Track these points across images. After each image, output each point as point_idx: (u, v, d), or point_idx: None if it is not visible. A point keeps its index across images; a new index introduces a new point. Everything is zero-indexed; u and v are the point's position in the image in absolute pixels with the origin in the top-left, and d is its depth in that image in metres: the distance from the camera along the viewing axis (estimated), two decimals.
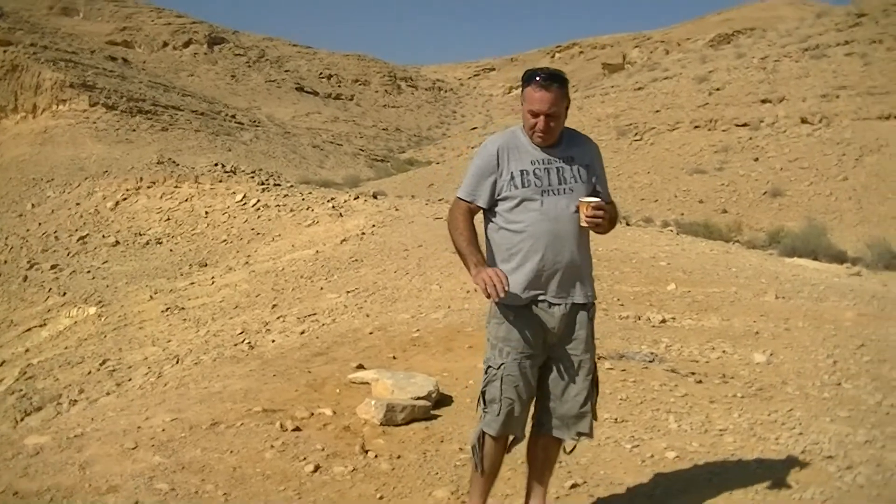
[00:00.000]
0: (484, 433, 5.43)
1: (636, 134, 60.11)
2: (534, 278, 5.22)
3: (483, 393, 5.42)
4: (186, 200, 33.71)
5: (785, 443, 7.38)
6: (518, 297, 5.24)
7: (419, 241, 21.57)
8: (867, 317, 13.00)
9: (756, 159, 50.88)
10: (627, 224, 32.59)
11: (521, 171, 5.22)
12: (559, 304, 5.27)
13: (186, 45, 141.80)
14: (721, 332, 11.82)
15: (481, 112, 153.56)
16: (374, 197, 33.16)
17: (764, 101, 57.01)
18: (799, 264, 22.78)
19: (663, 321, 12.49)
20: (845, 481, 6.54)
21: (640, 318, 12.60)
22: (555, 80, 5.21)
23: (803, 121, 52.95)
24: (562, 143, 5.37)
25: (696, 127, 57.88)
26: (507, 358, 5.28)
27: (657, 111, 62.93)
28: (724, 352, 10.65)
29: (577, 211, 5.21)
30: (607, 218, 5.24)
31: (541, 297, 5.26)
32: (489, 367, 5.40)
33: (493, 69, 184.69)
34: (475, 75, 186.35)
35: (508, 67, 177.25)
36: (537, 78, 5.21)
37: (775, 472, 6.63)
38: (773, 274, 18.19)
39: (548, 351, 5.37)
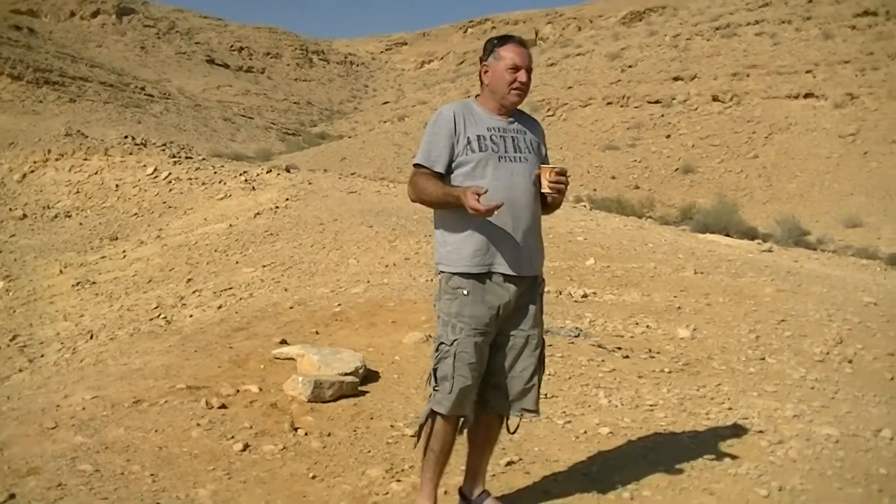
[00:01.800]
0: (434, 412, 5.29)
1: (549, 110, 60.41)
2: (487, 246, 5.12)
3: (434, 370, 5.25)
4: (96, 173, 33.09)
5: (715, 417, 7.38)
6: (470, 266, 5.14)
7: (334, 215, 21.39)
8: (785, 292, 13.10)
9: (668, 136, 51.46)
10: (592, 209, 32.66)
11: (478, 136, 5.17)
12: (513, 277, 5.17)
13: (94, 14, 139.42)
14: (643, 307, 11.84)
15: (393, 86, 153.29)
16: (287, 171, 32.83)
17: (676, 79, 57.62)
18: (712, 240, 22.94)
19: (585, 296, 12.47)
20: (778, 455, 6.56)
21: (561, 294, 12.57)
22: (526, 44, 5.42)
23: (714, 99, 53.62)
24: (514, 116, 5.38)
25: (609, 104, 58.36)
26: (461, 334, 5.13)
27: (570, 87, 63.30)
28: (647, 327, 10.67)
29: (536, 180, 5.17)
30: (567, 185, 5.21)
31: (495, 269, 5.15)
32: (441, 343, 5.23)
33: (406, 44, 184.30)
34: (387, 49, 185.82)
35: (420, 42, 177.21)
36: (513, 38, 5.38)
37: (709, 447, 6.63)
38: (690, 250, 18.31)
39: (499, 327, 5.26)
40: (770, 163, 45.51)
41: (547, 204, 5.31)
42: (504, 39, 5.35)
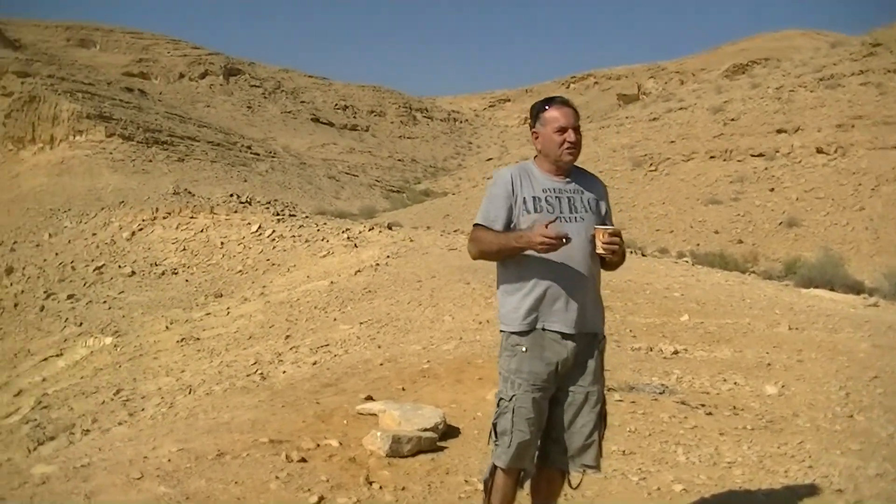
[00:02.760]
0: (495, 466, 5.41)
1: (651, 164, 60.13)
2: (544, 304, 5.24)
3: (494, 425, 5.40)
4: (202, 231, 33.81)
5: (794, 476, 7.35)
6: (527, 324, 5.26)
7: (433, 271, 21.55)
8: (882, 348, 12.93)
9: (772, 189, 50.78)
10: (643, 255, 32.50)
11: (534, 198, 5.29)
12: (570, 335, 5.26)
13: (203, 76, 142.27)
14: (733, 363, 11.79)
15: (497, 142, 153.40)
16: (389, 228, 33.18)
17: (779, 132, 56.95)
18: (815, 295, 22.66)
19: (675, 352, 12.46)
20: None
21: (651, 350, 12.58)
22: (570, 103, 5.50)
23: (819, 151, 52.86)
24: (572, 175, 5.47)
25: (712, 157, 57.85)
26: (519, 390, 5.26)
27: (672, 141, 62.95)
28: (735, 383, 10.62)
29: (592, 239, 5.26)
30: (622, 247, 5.29)
31: (552, 327, 5.25)
32: (501, 399, 5.39)
33: (509, 100, 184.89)
34: (490, 106, 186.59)
35: (524, 98, 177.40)
36: (556, 99, 5.47)
37: None
38: (788, 305, 18.12)
39: (558, 383, 5.35)
40: (877, 215, 44.70)
41: (606, 262, 5.38)
42: (547, 102, 5.48)
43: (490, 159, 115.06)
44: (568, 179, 5.43)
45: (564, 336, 5.26)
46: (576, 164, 5.51)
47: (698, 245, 45.29)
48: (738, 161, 56.05)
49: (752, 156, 55.78)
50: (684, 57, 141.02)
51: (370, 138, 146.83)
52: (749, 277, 27.80)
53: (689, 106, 71.50)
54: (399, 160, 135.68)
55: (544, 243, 4.94)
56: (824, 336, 14.01)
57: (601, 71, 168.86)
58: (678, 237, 47.79)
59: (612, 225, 5.42)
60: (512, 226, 5.29)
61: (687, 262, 32.69)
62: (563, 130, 5.31)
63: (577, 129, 5.37)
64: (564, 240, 4.94)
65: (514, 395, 5.28)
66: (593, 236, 5.25)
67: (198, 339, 21.06)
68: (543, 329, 5.26)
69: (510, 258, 5.27)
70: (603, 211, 5.50)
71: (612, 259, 5.30)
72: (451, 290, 18.54)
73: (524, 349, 5.27)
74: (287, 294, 23.47)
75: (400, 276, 21.86)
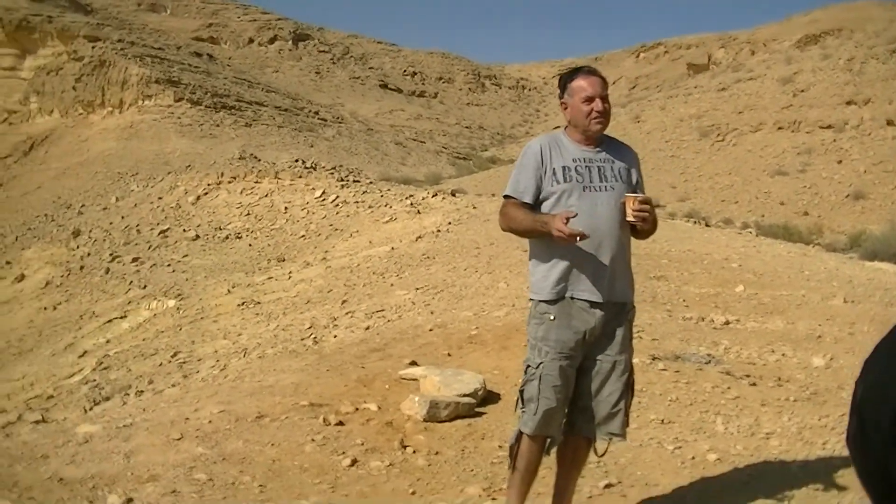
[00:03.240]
0: (521, 432, 5.46)
1: (718, 135, 59.71)
2: (573, 273, 5.27)
3: (521, 392, 5.47)
4: (266, 196, 34.03)
5: (832, 448, 7.31)
6: (555, 293, 5.30)
7: (492, 238, 21.53)
8: None
9: (839, 161, 50.29)
10: (706, 225, 32.26)
11: (563, 168, 5.32)
12: (599, 304, 5.28)
13: (272, 41, 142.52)
14: (783, 335, 11.72)
15: None
16: (453, 195, 33.12)
17: (849, 103, 56.27)
18: (878, 268, 22.32)
19: (726, 323, 12.40)
20: None
21: (703, 320, 12.52)
22: (597, 72, 5.57)
23: (889, 123, 52.20)
24: (602, 145, 5.48)
25: (780, 128, 57.34)
26: (546, 357, 5.32)
27: (740, 112, 62.41)
28: (783, 355, 10.56)
29: (622, 208, 5.25)
30: (652, 215, 5.28)
31: (580, 295, 5.28)
32: (528, 366, 5.45)
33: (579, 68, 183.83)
34: (559, 73, 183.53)
35: (594, 66, 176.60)
36: (582, 69, 5.55)
37: (817, 476, 6.56)
38: (847, 278, 17.92)
39: (585, 351, 5.38)
40: None
41: (638, 231, 5.40)
42: (574, 73, 5.56)
43: (557, 127, 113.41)
44: (598, 149, 5.44)
45: (593, 305, 5.28)
46: (606, 134, 5.53)
47: (763, 216, 45.00)
48: (807, 133, 55.53)
49: (821, 127, 55.23)
50: (756, 27, 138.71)
51: (438, 105, 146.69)
52: (812, 250, 27.46)
53: (759, 76, 70.69)
54: (466, 127, 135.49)
55: (562, 237, 4.97)
56: (879, 310, 13.88)
57: (671, 40, 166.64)
58: (743, 208, 47.52)
59: (643, 193, 5.43)
60: (542, 197, 5.34)
61: (750, 233, 32.46)
62: (590, 100, 5.32)
63: (604, 99, 5.38)
64: (579, 238, 4.98)
65: (541, 363, 5.34)
66: (623, 205, 5.25)
67: (258, 302, 21.26)
68: (572, 298, 5.30)
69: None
70: (634, 180, 5.51)
71: (643, 227, 5.30)
72: (508, 257, 18.56)
73: (552, 317, 5.31)
74: (348, 259, 23.61)
75: (459, 243, 21.91)
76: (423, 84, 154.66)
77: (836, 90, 59.06)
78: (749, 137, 57.99)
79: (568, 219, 4.96)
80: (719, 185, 51.83)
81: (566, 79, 5.54)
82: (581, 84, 5.39)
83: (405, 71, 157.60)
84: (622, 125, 67.68)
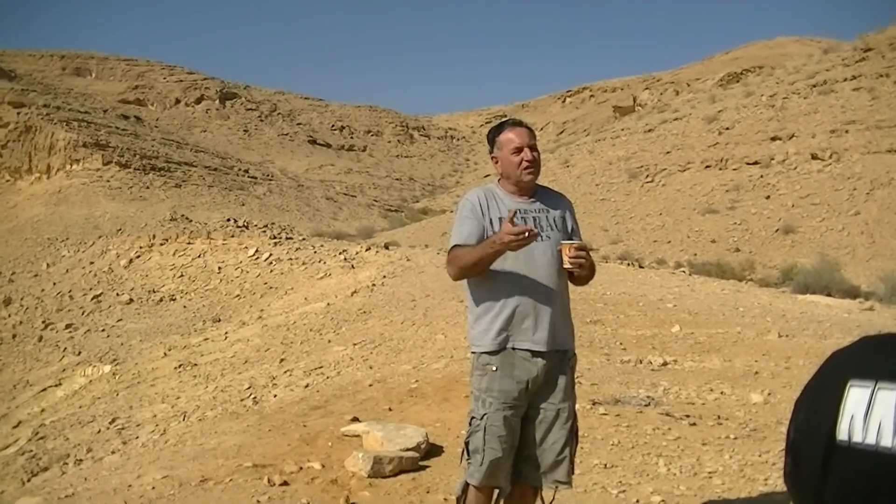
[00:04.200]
0: (468, 484, 5.46)
1: (647, 176, 60.10)
2: (513, 323, 5.28)
3: (467, 443, 5.47)
4: (199, 256, 33.87)
5: (774, 483, 7.41)
6: (497, 344, 5.30)
7: (427, 290, 21.63)
8: None
9: (767, 197, 50.77)
10: (640, 266, 32.52)
11: (500, 219, 5.29)
12: (541, 353, 5.29)
13: (198, 101, 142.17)
14: (721, 373, 11.86)
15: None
16: (386, 248, 33.25)
17: (774, 139, 56.91)
18: (811, 301, 22.68)
19: (664, 364, 12.53)
20: None
21: (641, 362, 12.64)
22: (523, 124, 5.65)
23: (814, 157, 52.84)
24: (536, 195, 5.53)
25: (707, 167, 57.80)
26: (490, 408, 5.31)
27: (668, 152, 62.92)
28: (721, 393, 10.69)
29: (559, 256, 5.28)
30: (589, 261, 5.31)
31: (522, 345, 5.29)
32: (472, 417, 5.46)
33: (504, 116, 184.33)
34: (487, 122, 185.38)
35: (519, 113, 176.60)
36: (509, 121, 5.62)
37: None
38: (781, 312, 18.19)
39: (529, 400, 5.39)
40: (872, 219, 44.67)
41: (575, 277, 5.42)
42: (501, 126, 5.63)
43: (487, 175, 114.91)
44: (532, 199, 5.49)
45: (534, 354, 5.29)
46: (539, 183, 5.58)
47: (696, 255, 45.28)
48: (734, 170, 56.02)
49: (748, 164, 55.73)
50: (679, 67, 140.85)
51: (367, 158, 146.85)
52: (745, 286, 27.81)
53: (684, 116, 71.43)
54: (397, 179, 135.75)
55: (514, 240, 4.95)
56: (813, 343, 14.09)
57: (597, 84, 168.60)
58: (675, 248, 47.82)
59: (579, 240, 5.50)
60: None
61: (684, 272, 32.75)
62: (519, 150, 5.39)
63: (532, 147, 5.46)
64: (528, 233, 4.94)
65: (485, 414, 5.34)
66: (560, 252, 5.29)
67: (195, 364, 21.14)
68: (513, 348, 5.30)
69: (486, 270, 5.27)
70: (570, 227, 5.57)
71: (581, 273, 5.32)
72: (444, 309, 18.64)
73: (494, 368, 5.31)
74: (284, 317, 23.55)
75: (395, 296, 21.96)
76: (351, 138, 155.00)
77: (760, 126, 59.77)
78: (678, 177, 58.46)
79: (513, 220, 5.02)
80: (651, 225, 52.17)
81: (494, 132, 5.62)
82: (509, 136, 5.46)
83: (333, 125, 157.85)
84: (552, 170, 68.14)
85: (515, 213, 5.14)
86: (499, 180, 5.62)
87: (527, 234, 4.94)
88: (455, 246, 5.40)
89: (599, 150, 72.87)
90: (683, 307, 18.07)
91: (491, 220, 5.34)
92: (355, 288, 24.60)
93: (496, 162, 5.57)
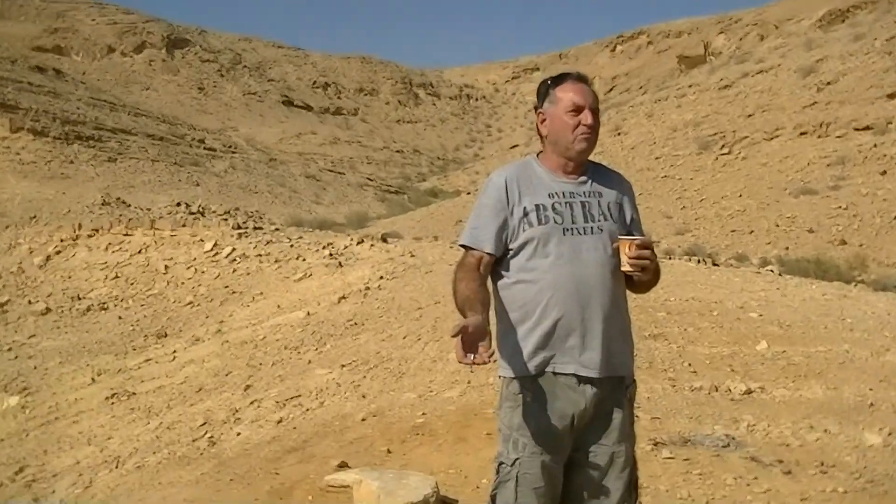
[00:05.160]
0: None
1: (723, 146, 59.95)
2: (554, 341, 5.16)
3: (493, 497, 5.32)
4: (140, 252, 33.81)
5: None
6: (532, 367, 5.18)
7: (437, 296, 21.53)
8: None
9: (883, 173, 50.44)
10: (713, 264, 32.40)
11: (537, 206, 5.23)
12: (590, 379, 5.17)
13: (138, 49, 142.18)
14: (824, 404, 11.74)
15: (523, 125, 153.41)
16: (384, 240, 33.22)
17: (892, 97, 56.65)
18: None
19: (748, 392, 12.41)
20: None
21: (717, 389, 12.53)
22: (587, 80, 5.51)
23: None
24: (587, 173, 5.44)
25: (803, 133, 57.63)
26: (524, 452, 5.17)
27: (750, 115, 62.75)
28: (825, 431, 10.56)
29: (615, 254, 5.19)
30: (654, 262, 5.20)
31: (565, 369, 5.16)
32: (501, 463, 5.29)
33: (537, 69, 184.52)
34: (514, 78, 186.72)
35: (556, 66, 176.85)
36: (570, 74, 5.53)
37: None
38: None
39: (574, 441, 5.26)
40: None
41: (635, 283, 5.32)
42: (561, 78, 5.48)
43: (515, 146, 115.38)
44: (583, 178, 5.39)
45: (582, 380, 5.17)
46: (592, 159, 5.48)
47: (787, 249, 45.07)
48: (838, 137, 55.77)
49: (857, 129, 55.49)
50: (765, 4, 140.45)
51: (359, 125, 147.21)
52: (854, 289, 27.65)
53: (772, 68, 71.24)
54: (397, 151, 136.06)
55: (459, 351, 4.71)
56: None
57: (656, 27, 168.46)
58: (760, 239, 47.62)
59: (641, 234, 5.37)
60: (511, 246, 5.26)
61: (772, 271, 32.62)
62: (578, 110, 5.28)
63: (595, 112, 5.34)
64: (474, 362, 4.64)
65: (517, 459, 5.19)
66: (616, 250, 5.19)
67: (132, 394, 21.00)
68: (554, 373, 5.18)
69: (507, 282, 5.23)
70: (628, 217, 5.46)
71: (642, 277, 5.22)
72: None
73: (529, 399, 5.18)
74: (250, 331, 23.49)
75: (395, 303, 21.91)
76: (338, 98, 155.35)
77: (873, 80, 59.41)
78: (763, 147, 58.22)
79: (463, 332, 4.69)
80: (728, 210, 51.95)
81: (551, 83, 5.48)
82: (569, 92, 5.34)
83: (315, 82, 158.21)
84: (599, 140, 67.99)
85: (465, 328, 4.71)
86: (539, 154, 5.52)
87: (467, 353, 4.66)
88: (464, 249, 5.35)
89: (660, 113, 72.86)
90: (772, 317, 17.95)
91: (525, 209, 5.24)
92: (344, 292, 24.55)
93: (543, 120, 5.44)
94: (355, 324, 20.71)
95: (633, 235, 5.27)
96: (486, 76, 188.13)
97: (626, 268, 5.13)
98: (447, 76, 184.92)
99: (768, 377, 13.22)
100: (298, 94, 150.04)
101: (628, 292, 5.42)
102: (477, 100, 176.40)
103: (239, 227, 34.50)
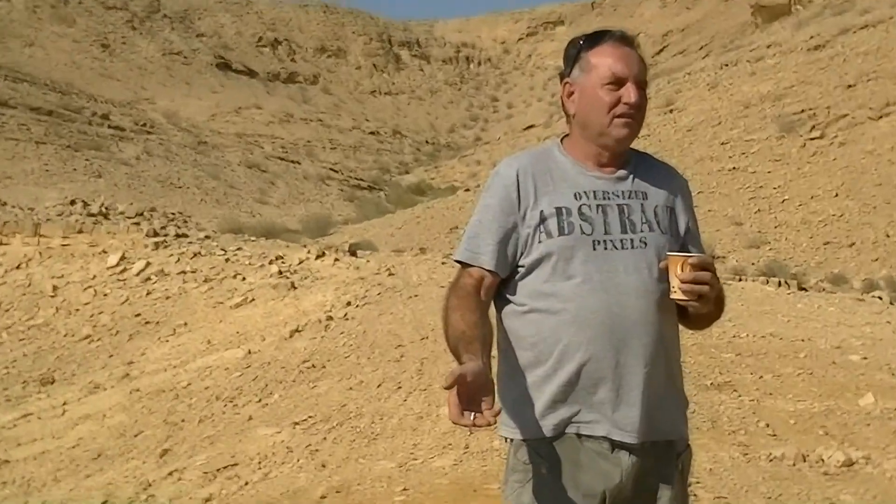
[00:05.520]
0: None
1: (814, 128, 60.00)
2: (578, 392, 5.00)
3: None
4: (19, 267, 33.76)
5: None
6: (549, 427, 5.04)
7: (424, 329, 21.54)
8: None
9: None
10: (801, 288, 32.44)
11: (559, 210, 5.05)
12: (627, 445, 5.03)
13: None
14: None
15: (542, 98, 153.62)
16: (353, 254, 33.23)
17: None
18: None
19: (848, 463, 12.38)
20: None
21: (805, 460, 12.52)
22: (632, 42, 5.22)
23: None
24: (628, 165, 5.26)
25: None
26: None
27: (850, 87, 62.84)
28: None
29: (662, 277, 4.99)
30: (716, 288, 4.98)
31: (593, 430, 5.02)
32: None
33: (561, 22, 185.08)
34: (529, 35, 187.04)
35: (587, 18, 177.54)
36: (610, 33, 5.19)
37: None
38: None
39: None
40: None
41: (689, 316, 5.16)
42: (595, 38, 5.21)
43: (530, 127, 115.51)
44: (622, 172, 5.21)
45: (616, 446, 5.03)
46: (635, 146, 5.32)
47: None
48: None
49: None
50: None
51: (321, 97, 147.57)
52: None
53: (881, 21, 71.27)
54: (371, 133, 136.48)
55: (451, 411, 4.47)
56: None
57: None
58: (864, 255, 47.71)
59: (702, 250, 5.27)
60: (521, 262, 5.09)
61: (880, 298, 32.64)
62: (618, 84, 5.04)
63: (640, 85, 5.09)
64: (473, 424, 4.41)
65: None
66: (665, 271, 4.97)
67: (5, 461, 20.98)
68: (578, 435, 5.04)
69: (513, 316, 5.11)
70: (682, 226, 5.30)
71: (699, 309, 5.00)
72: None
73: (545, 470, 5.05)
74: (170, 375, 23.45)
75: (368, 339, 21.90)
76: (292, 61, 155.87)
77: None
78: (869, 129, 58.26)
79: (459, 383, 4.43)
80: (819, 215, 51.99)
81: (583, 44, 5.21)
82: (605, 57, 5.08)
83: (261, 39, 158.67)
84: (645, 121, 68.03)
85: (466, 376, 4.49)
86: (564, 138, 5.35)
87: (464, 411, 4.43)
88: (460, 266, 5.18)
89: (728, 83, 73.07)
90: (880, 362, 17.96)
91: (542, 214, 5.04)
92: (297, 324, 24.52)
93: (570, 94, 5.22)
94: (313, 366, 20.68)
95: (688, 252, 5.09)
96: (493, 32, 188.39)
97: (677, 295, 4.90)
98: (440, 32, 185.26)
99: (875, 443, 13.22)
100: (238, 54, 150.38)
101: (681, 327, 5.28)
102: (480, 64, 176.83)
103: (155, 235, 34.47)
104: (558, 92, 5.23)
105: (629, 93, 5.02)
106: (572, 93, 5.19)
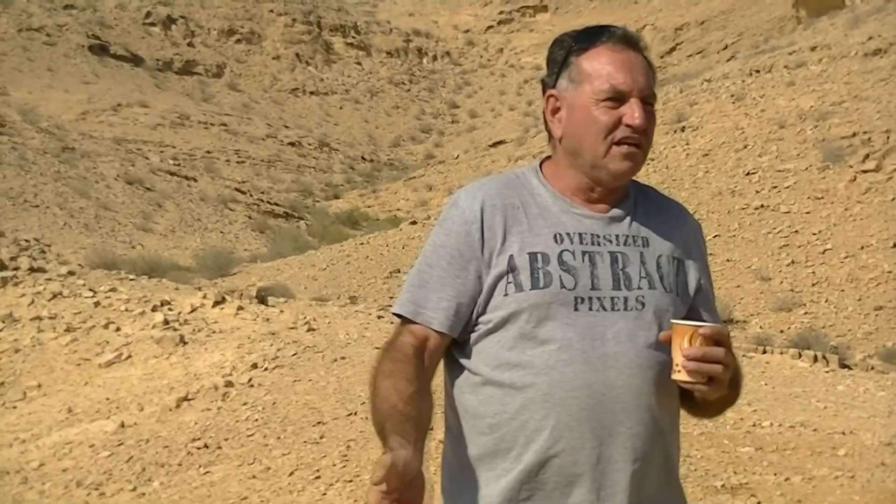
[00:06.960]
0: None
1: (867, 157, 60.09)
2: (547, 492, 4.94)
3: None
4: None
5: None
6: None
7: (352, 401, 21.59)
8: None
9: None
10: (843, 365, 32.57)
11: (534, 257, 4.98)
12: None
13: None
14: None
15: (515, 107, 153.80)
16: (262, 301, 33.26)
17: None
18: None
19: None
20: None
21: None
22: (637, 44, 5.10)
23: None
24: (627, 204, 5.23)
25: None
26: None
27: None
28: None
29: (664, 351, 4.87)
30: (731, 366, 4.82)
31: None
32: None
33: (544, 8, 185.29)
34: (501, 23, 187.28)
35: (578, 5, 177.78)
36: (606, 29, 5.11)
37: None
38: None
39: None
40: None
41: (695, 401, 5.08)
42: (589, 37, 5.13)
43: (499, 143, 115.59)
44: (618, 211, 5.17)
45: None
46: (636, 177, 5.23)
47: None
48: None
49: None
50: None
51: (226, 94, 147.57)
52: None
53: None
54: (291, 144, 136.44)
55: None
56: None
57: None
58: None
59: (715, 313, 5.29)
60: (483, 320, 5.03)
61: None
62: (617, 99, 4.95)
63: (647, 100, 5.00)
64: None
65: None
66: (668, 342, 4.84)
67: None
68: None
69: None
70: (692, 284, 5.27)
71: (708, 394, 4.85)
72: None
73: None
74: (16, 453, 23.40)
75: (279, 413, 21.91)
76: (190, 46, 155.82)
77: None
78: None
79: (388, 477, 4.20)
80: (872, 271, 51.76)
81: (571, 47, 5.10)
82: (602, 64, 4.98)
83: (149, 16, 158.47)
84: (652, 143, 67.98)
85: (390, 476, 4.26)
86: (544, 161, 5.32)
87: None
88: (400, 321, 5.14)
89: (757, 96, 73.28)
90: None
91: (512, 260, 4.99)
92: (187, 390, 24.49)
93: (555, 110, 5.13)
94: (205, 446, 20.68)
95: (698, 319, 5.03)
96: (454, 18, 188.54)
97: (680, 376, 4.75)
98: (385, 15, 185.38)
99: None
100: (119, 33, 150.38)
101: (683, 413, 5.24)
102: (436, 58, 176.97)
103: (2, 268, 34.47)
104: (537, 101, 5.21)
105: (633, 112, 4.91)
106: (558, 109, 5.10)
